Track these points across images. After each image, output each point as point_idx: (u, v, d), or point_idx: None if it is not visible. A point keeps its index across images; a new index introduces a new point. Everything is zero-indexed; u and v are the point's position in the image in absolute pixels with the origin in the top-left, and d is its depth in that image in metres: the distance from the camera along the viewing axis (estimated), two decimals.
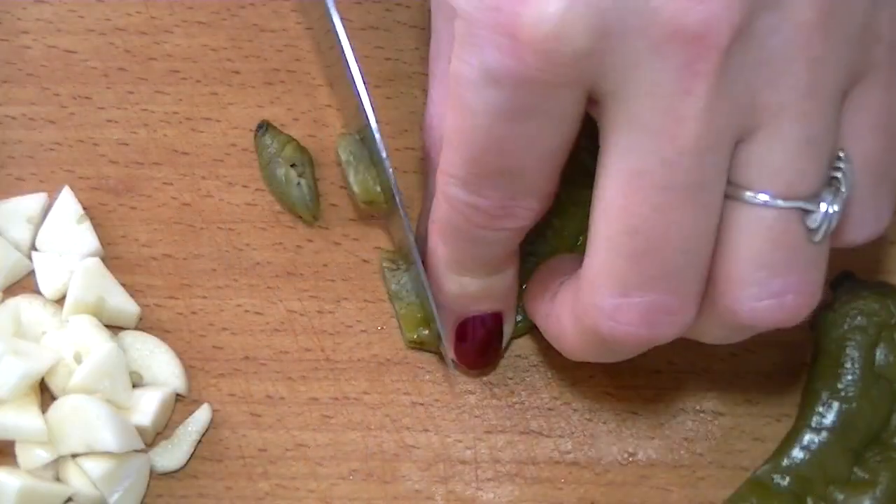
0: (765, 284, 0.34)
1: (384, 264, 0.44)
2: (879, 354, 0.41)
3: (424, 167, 0.42)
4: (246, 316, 0.45)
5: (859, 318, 0.42)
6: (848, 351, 0.41)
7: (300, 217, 0.45)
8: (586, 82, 0.33)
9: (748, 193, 0.34)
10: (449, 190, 0.36)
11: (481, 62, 0.33)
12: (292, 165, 0.45)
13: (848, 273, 0.43)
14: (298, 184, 0.45)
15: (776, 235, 0.34)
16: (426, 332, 0.43)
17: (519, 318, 0.43)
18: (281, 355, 0.44)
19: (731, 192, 0.34)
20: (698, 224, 0.33)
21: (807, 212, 0.34)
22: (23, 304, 0.44)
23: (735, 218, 0.34)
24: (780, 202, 0.33)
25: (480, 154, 0.35)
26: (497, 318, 0.42)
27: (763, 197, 0.33)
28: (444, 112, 0.37)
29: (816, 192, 0.34)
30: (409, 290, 0.44)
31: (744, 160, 0.33)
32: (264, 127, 0.46)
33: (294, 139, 0.46)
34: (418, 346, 0.44)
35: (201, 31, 0.48)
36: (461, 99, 0.34)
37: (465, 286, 0.40)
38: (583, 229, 0.43)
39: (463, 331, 0.42)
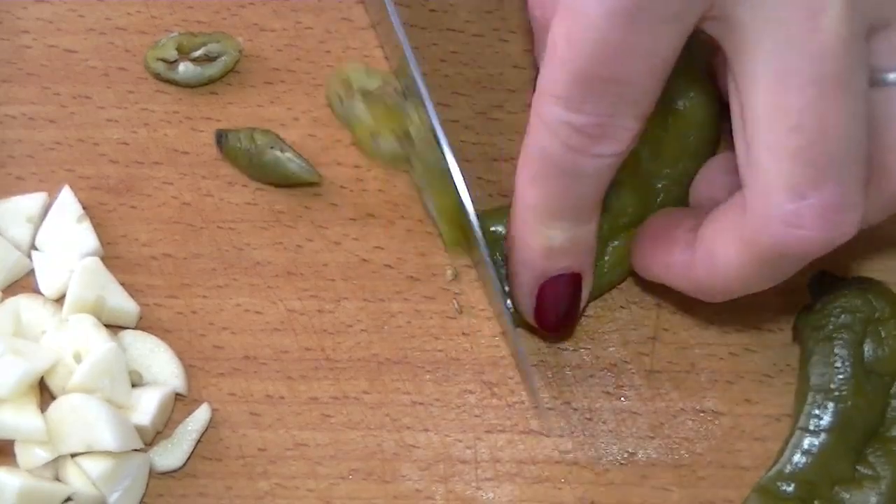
0: None
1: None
2: (868, 350, 0.41)
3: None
4: (246, 315, 0.45)
5: (843, 315, 0.42)
6: (836, 350, 0.41)
7: (303, 185, 0.45)
8: None
9: (893, 75, 0.36)
10: (546, 111, 0.36)
11: None
12: (271, 147, 0.45)
13: (824, 272, 0.43)
14: (289, 158, 0.45)
15: None
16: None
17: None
18: (281, 355, 0.44)
19: (877, 78, 0.36)
20: (852, 110, 0.35)
21: None
22: (23, 303, 0.44)
23: (885, 103, 0.36)
24: None
25: (589, 62, 0.35)
26: (577, 280, 0.42)
27: None
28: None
29: None
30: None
31: (886, 47, 0.36)
32: (223, 135, 0.46)
33: (251, 126, 0.46)
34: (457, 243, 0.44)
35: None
36: (577, 2, 0.34)
37: (552, 239, 0.40)
38: (628, 203, 0.44)
39: (544, 293, 0.42)
